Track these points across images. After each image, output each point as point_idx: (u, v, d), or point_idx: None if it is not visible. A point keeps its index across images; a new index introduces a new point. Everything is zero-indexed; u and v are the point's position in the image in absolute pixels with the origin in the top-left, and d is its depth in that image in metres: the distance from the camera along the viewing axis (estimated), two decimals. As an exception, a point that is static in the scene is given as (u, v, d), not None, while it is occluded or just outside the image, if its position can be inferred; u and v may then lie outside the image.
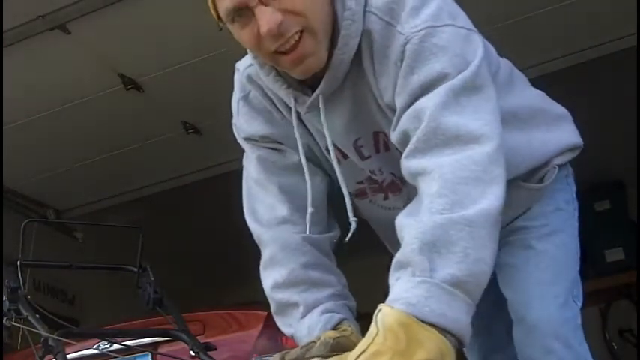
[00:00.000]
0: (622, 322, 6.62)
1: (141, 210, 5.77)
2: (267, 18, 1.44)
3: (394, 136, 1.49)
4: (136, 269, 2.65)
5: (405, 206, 1.48)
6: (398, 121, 1.46)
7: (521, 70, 3.63)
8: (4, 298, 2.32)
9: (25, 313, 2.29)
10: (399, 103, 1.46)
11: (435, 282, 1.24)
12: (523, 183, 1.73)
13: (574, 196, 1.88)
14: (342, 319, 1.61)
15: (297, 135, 1.62)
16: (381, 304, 1.28)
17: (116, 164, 5.23)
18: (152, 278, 2.60)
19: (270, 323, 3.45)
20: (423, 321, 1.22)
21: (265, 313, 3.51)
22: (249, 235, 6.14)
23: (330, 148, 1.58)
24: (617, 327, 6.62)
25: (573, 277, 1.79)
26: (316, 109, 1.58)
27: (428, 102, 1.40)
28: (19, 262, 2.51)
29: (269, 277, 1.76)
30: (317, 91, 1.55)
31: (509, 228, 1.76)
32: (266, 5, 1.45)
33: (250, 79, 1.82)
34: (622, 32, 4.39)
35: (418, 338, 1.21)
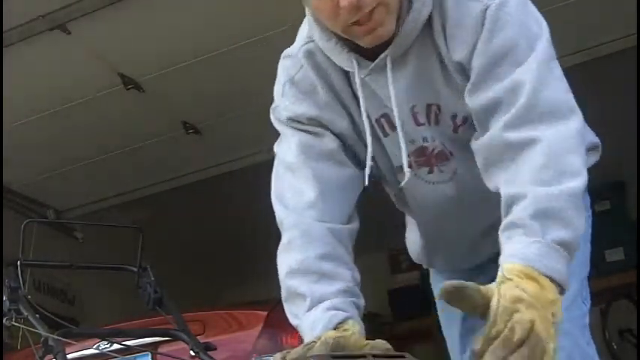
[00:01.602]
0: (622, 322, 6.62)
1: (141, 210, 5.77)
2: None
3: (475, 99, 1.57)
4: (135, 269, 2.65)
5: (450, 180, 1.70)
6: (479, 84, 1.56)
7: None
8: (4, 298, 2.32)
9: (25, 313, 2.29)
10: (479, 67, 1.56)
11: (547, 242, 1.40)
12: None
13: (589, 204, 2.00)
14: (346, 317, 1.61)
15: (361, 95, 1.67)
16: (502, 261, 1.41)
17: (116, 164, 5.23)
18: (152, 278, 2.60)
19: (270, 323, 3.45)
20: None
21: (265, 313, 3.51)
22: (249, 235, 6.20)
23: (395, 108, 1.64)
24: (617, 327, 6.62)
25: (582, 279, 1.93)
26: (377, 73, 1.65)
27: (524, 76, 1.53)
28: (19, 262, 2.52)
29: (284, 263, 1.75)
30: (385, 53, 1.63)
31: None
32: None
33: (309, 53, 1.78)
34: (622, 32, 4.39)
35: (543, 284, 1.37)
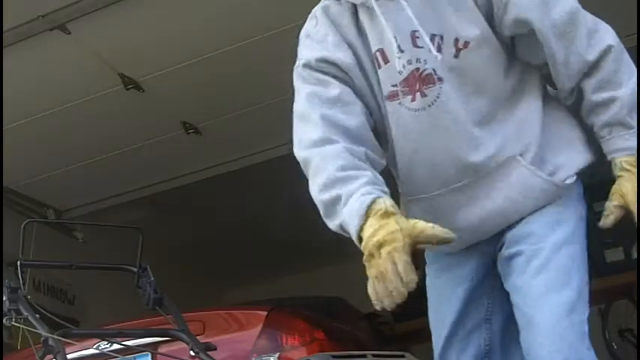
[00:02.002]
0: (622, 322, 6.62)
1: (141, 210, 5.77)
2: None
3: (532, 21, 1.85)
4: (135, 269, 2.65)
5: (430, 105, 1.84)
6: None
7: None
8: (4, 298, 2.32)
9: (25, 313, 2.29)
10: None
11: (635, 129, 1.87)
12: (548, 177, 1.99)
13: (584, 207, 2.21)
14: (374, 198, 1.73)
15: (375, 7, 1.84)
16: (614, 154, 1.97)
17: (116, 164, 5.23)
18: (152, 278, 2.60)
19: (270, 323, 3.46)
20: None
21: (265, 313, 3.51)
22: (249, 235, 6.19)
23: (391, 37, 1.83)
24: (617, 327, 6.62)
25: (583, 285, 2.10)
26: (387, 1, 1.84)
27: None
28: (19, 262, 2.51)
29: (314, 185, 1.88)
30: None
31: (522, 233, 1.97)
32: None
33: (324, 8, 2.00)
34: (622, 32, 4.38)
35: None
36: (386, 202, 1.72)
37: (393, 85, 1.87)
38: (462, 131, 1.86)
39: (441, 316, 2.11)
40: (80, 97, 4.52)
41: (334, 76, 1.91)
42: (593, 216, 7.10)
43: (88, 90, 4.48)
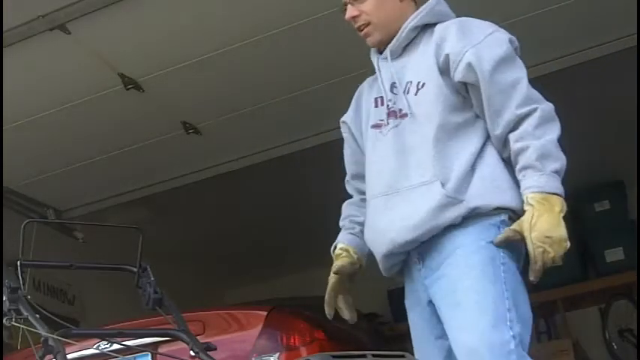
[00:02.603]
0: (622, 322, 6.62)
1: (141, 210, 5.77)
2: (349, 12, 2.57)
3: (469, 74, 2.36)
4: (135, 269, 2.65)
5: (395, 134, 2.43)
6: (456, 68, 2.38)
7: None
8: (4, 298, 2.32)
9: (25, 314, 2.29)
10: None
11: (548, 173, 2.23)
12: (459, 203, 2.30)
13: (494, 228, 2.35)
14: (337, 242, 2.79)
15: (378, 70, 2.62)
16: (525, 193, 2.25)
17: (116, 164, 5.23)
18: (152, 278, 2.60)
19: (270, 323, 3.46)
20: (552, 193, 2.21)
21: (265, 313, 3.51)
22: (249, 235, 6.19)
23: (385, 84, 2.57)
24: (617, 327, 6.62)
25: (502, 305, 2.31)
26: (384, 61, 2.57)
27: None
28: (19, 262, 2.51)
29: None
30: (388, 47, 2.57)
31: (438, 272, 2.35)
32: (351, 5, 2.56)
33: (364, 82, 2.81)
34: (622, 32, 4.39)
35: (552, 201, 2.21)
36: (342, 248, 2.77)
37: (380, 119, 2.52)
38: (408, 153, 2.39)
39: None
40: (80, 97, 4.52)
41: (349, 128, 2.82)
42: (593, 216, 7.12)
43: (88, 90, 4.48)
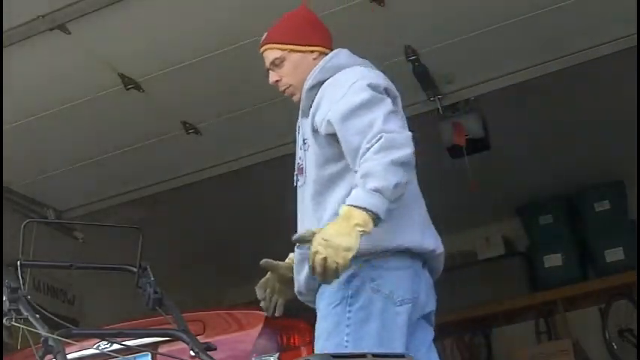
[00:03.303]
0: (622, 322, 6.62)
1: (141, 210, 5.77)
2: (271, 77, 2.84)
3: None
4: (135, 269, 2.65)
5: (300, 186, 2.68)
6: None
7: (520, 71, 3.73)
8: (4, 298, 2.32)
9: (25, 314, 2.29)
10: None
11: (365, 190, 2.30)
12: None
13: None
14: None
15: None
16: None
17: (116, 164, 5.23)
18: (152, 278, 2.60)
19: (270, 323, 3.45)
20: (359, 207, 2.28)
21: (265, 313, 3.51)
22: (249, 235, 6.18)
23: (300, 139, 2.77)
24: (617, 327, 6.62)
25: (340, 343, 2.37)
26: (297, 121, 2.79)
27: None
28: (19, 262, 2.51)
29: None
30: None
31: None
32: (272, 70, 2.82)
33: None
34: (622, 32, 4.39)
35: (353, 214, 2.27)
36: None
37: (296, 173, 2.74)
38: (303, 210, 2.69)
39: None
40: (80, 97, 4.52)
41: None
42: (593, 216, 7.12)
43: (88, 90, 4.48)
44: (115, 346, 2.95)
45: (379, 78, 2.58)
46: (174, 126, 4.94)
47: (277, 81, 2.79)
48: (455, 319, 7.07)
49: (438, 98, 4.77)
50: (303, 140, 2.66)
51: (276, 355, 3.37)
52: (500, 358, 7.04)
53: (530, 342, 6.86)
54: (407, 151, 2.36)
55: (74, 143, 5.01)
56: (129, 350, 3.08)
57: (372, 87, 2.50)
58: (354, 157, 2.41)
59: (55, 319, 2.43)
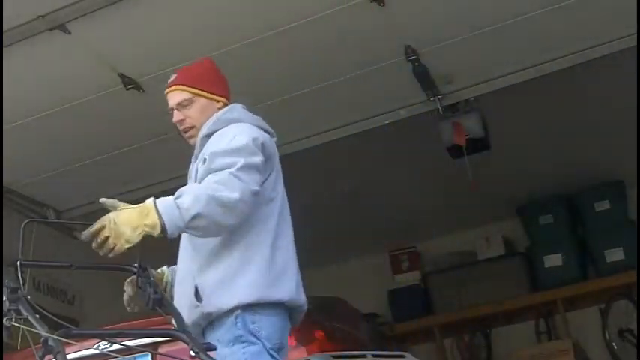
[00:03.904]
0: (622, 322, 6.62)
1: (141, 210, 5.76)
2: (175, 116, 2.97)
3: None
4: (135, 269, 2.65)
5: None
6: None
7: (520, 71, 3.74)
8: (4, 298, 2.32)
9: (25, 314, 2.29)
10: None
11: (173, 200, 2.60)
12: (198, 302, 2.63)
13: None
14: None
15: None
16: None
17: (116, 164, 5.23)
18: (152, 278, 2.60)
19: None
20: (158, 210, 2.56)
21: (265, 313, 3.50)
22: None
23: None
24: (617, 327, 6.63)
25: None
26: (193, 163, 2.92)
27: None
28: (19, 262, 2.51)
29: None
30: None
31: None
32: (177, 110, 2.97)
33: None
34: (622, 32, 4.39)
35: (150, 213, 2.54)
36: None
37: None
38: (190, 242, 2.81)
39: None
40: (80, 97, 4.52)
41: None
42: (593, 216, 7.12)
43: (88, 90, 4.48)
44: (115, 346, 2.95)
45: (260, 135, 2.78)
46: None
47: (181, 120, 2.93)
48: (455, 319, 7.08)
49: (438, 98, 4.77)
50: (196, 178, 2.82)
51: (276, 355, 3.36)
52: (500, 358, 7.04)
53: (530, 342, 6.86)
54: (235, 196, 2.54)
55: (74, 143, 5.01)
56: (129, 350, 3.08)
57: (251, 139, 2.71)
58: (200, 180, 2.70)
59: (55, 319, 2.43)
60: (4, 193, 5.18)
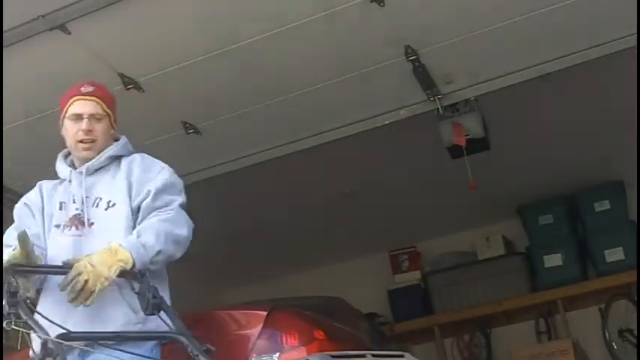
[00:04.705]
0: (622, 322, 6.63)
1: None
2: (86, 124, 3.10)
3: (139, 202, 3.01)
4: (136, 274, 2.65)
5: (79, 235, 2.93)
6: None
7: (520, 71, 3.73)
8: (3, 302, 2.32)
9: (24, 317, 2.29)
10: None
11: (139, 240, 2.78)
12: None
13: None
14: None
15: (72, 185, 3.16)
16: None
17: (116, 164, 5.22)
18: (150, 283, 2.60)
19: (270, 323, 3.46)
20: (126, 249, 2.73)
21: (265, 313, 3.52)
22: (249, 235, 6.15)
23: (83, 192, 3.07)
24: (617, 327, 6.63)
25: None
26: (79, 174, 3.11)
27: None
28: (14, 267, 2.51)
29: None
30: (87, 165, 3.13)
31: None
32: (89, 120, 3.10)
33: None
34: (622, 32, 4.39)
35: (119, 252, 2.70)
36: None
37: (64, 222, 2.98)
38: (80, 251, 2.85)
39: None
40: (80, 97, 4.51)
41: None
42: (593, 216, 7.11)
43: (87, 90, 4.47)
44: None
45: None
46: (174, 126, 4.94)
47: (90, 131, 3.08)
48: (455, 319, 7.08)
49: (438, 98, 4.77)
50: (107, 201, 3.00)
51: (276, 355, 3.37)
52: (500, 358, 7.04)
53: (530, 342, 6.86)
54: (185, 233, 2.98)
55: (74, 143, 4.99)
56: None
57: (175, 175, 3.12)
58: (145, 215, 2.92)
59: (53, 322, 2.43)
60: (4, 193, 5.17)
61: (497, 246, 7.25)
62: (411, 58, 4.43)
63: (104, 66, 4.29)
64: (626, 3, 4.05)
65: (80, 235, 2.94)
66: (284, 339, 3.43)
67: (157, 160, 3.17)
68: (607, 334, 6.61)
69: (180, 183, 3.12)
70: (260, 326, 3.47)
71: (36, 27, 3.92)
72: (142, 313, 2.66)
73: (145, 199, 2.97)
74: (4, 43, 3.94)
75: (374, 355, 3.21)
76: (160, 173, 3.08)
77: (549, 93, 5.20)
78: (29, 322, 2.26)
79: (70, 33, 3.97)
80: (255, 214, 6.41)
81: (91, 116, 3.10)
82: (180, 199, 3.06)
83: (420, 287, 7.40)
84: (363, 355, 3.34)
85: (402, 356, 3.43)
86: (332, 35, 4.19)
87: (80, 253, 2.81)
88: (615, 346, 6.59)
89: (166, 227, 2.87)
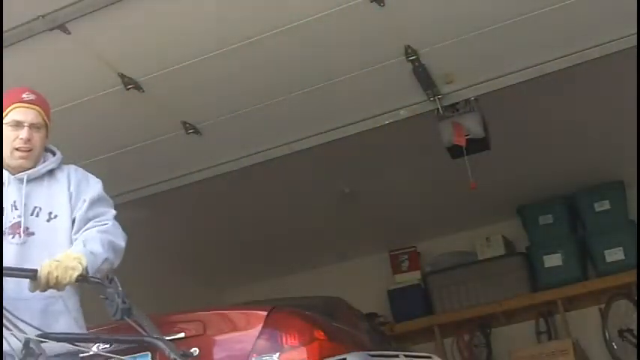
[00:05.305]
0: (622, 322, 6.63)
1: (141, 210, 5.77)
2: (27, 132, 3.09)
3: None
4: (100, 280, 2.63)
5: (22, 243, 2.96)
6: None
7: (520, 71, 3.72)
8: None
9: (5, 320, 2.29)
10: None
11: (86, 249, 2.88)
12: None
13: None
14: None
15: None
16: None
17: (116, 164, 5.23)
18: (120, 289, 2.59)
19: (270, 323, 3.45)
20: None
21: (265, 313, 3.51)
22: (249, 235, 6.17)
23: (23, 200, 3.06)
24: (617, 327, 6.63)
25: None
26: (19, 182, 3.09)
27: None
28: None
29: None
30: (27, 172, 3.13)
31: None
32: (29, 129, 3.10)
33: None
34: (622, 32, 4.39)
35: (72, 253, 2.83)
36: None
37: (10, 226, 2.98)
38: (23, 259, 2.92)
39: None
40: (80, 97, 4.51)
41: None
42: (593, 216, 7.12)
43: (88, 90, 4.48)
44: (114, 346, 2.95)
45: None
46: (175, 126, 4.94)
47: (29, 140, 3.09)
48: (455, 319, 7.09)
49: (438, 98, 4.77)
50: (48, 212, 3.06)
51: (276, 355, 3.37)
52: (500, 358, 7.04)
53: (530, 342, 6.87)
54: (122, 244, 3.02)
55: (74, 143, 4.99)
56: (129, 350, 3.08)
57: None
58: (81, 227, 3.02)
59: (30, 324, 2.44)
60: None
61: (498, 246, 7.25)
62: (411, 58, 4.43)
63: (104, 66, 4.29)
64: (626, 3, 4.05)
65: (23, 243, 2.98)
66: (284, 339, 3.43)
67: (89, 173, 3.29)
68: (607, 334, 6.61)
69: (110, 199, 3.23)
70: (260, 326, 3.46)
71: (36, 27, 3.92)
72: (84, 329, 2.81)
73: (80, 208, 3.07)
74: (4, 43, 3.93)
75: (406, 356, 3.26)
76: (95, 185, 3.20)
77: (549, 93, 5.20)
78: (5, 322, 2.28)
79: (70, 33, 3.97)
80: (256, 214, 6.41)
81: (32, 125, 3.11)
82: (114, 211, 3.15)
83: (420, 287, 7.40)
84: (396, 355, 3.40)
85: (429, 357, 3.49)
86: (332, 35, 4.19)
87: (23, 263, 2.85)
88: (615, 346, 6.59)
89: (108, 237, 2.98)
